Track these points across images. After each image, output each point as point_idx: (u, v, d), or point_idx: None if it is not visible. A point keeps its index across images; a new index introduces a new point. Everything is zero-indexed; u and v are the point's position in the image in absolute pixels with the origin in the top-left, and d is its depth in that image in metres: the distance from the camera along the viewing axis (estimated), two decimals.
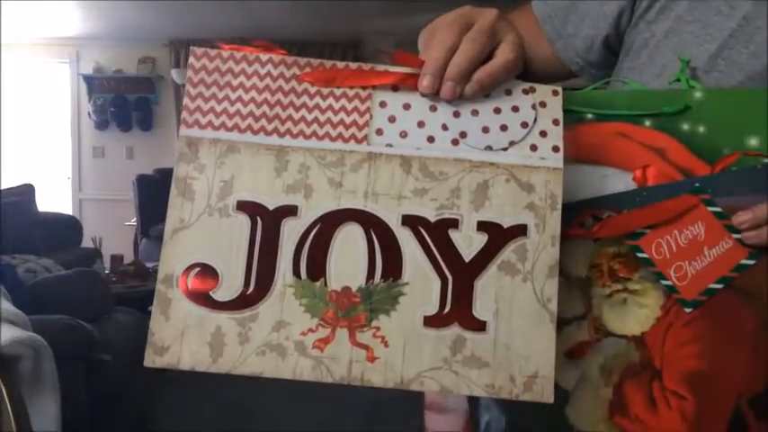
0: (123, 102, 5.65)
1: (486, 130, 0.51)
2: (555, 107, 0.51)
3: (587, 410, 0.52)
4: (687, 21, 0.62)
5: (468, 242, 0.48)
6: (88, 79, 5.66)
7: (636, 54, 0.66)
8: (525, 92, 0.52)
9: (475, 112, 0.51)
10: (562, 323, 0.54)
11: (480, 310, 0.47)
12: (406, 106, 0.51)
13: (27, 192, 4.27)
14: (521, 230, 0.48)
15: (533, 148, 0.50)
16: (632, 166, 0.57)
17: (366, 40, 5.38)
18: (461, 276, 0.48)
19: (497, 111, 0.51)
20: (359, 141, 0.50)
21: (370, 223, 0.48)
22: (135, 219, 5.03)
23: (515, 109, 0.51)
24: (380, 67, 0.51)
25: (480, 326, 0.47)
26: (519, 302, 0.47)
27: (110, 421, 2.14)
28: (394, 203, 0.49)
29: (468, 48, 0.50)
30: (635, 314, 0.53)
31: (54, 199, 5.51)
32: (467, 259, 0.48)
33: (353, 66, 0.51)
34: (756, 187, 0.53)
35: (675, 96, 0.58)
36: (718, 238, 0.53)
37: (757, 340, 0.51)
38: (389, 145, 0.50)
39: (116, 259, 3.87)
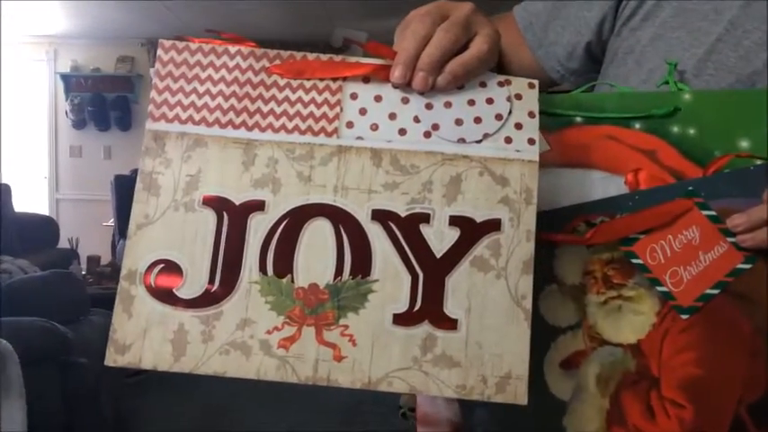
0: (101, 101, 5.56)
1: (459, 122, 0.49)
2: (530, 99, 0.50)
3: (584, 422, 0.51)
4: (673, 26, 0.62)
5: (440, 237, 0.47)
6: (65, 78, 5.57)
7: (621, 60, 0.65)
8: (500, 84, 0.50)
9: (448, 105, 0.50)
10: (556, 332, 0.53)
11: (452, 307, 0.46)
12: (378, 98, 0.50)
13: (3, 192, 4.20)
14: (494, 225, 0.47)
15: (508, 140, 0.49)
16: (623, 170, 0.56)
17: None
18: (432, 273, 0.46)
19: (471, 103, 0.50)
20: (329, 134, 0.49)
21: (340, 218, 0.47)
22: (112, 219, 4.96)
23: (490, 101, 0.50)
24: (352, 59, 0.50)
25: (452, 324, 0.45)
26: (492, 300, 0.46)
27: (85, 424, 2.11)
28: (364, 198, 0.47)
29: (442, 38, 0.49)
30: (630, 321, 0.52)
31: (30, 199, 5.42)
32: (438, 255, 0.46)
33: (324, 57, 0.50)
34: (750, 189, 0.52)
35: (665, 99, 0.57)
36: (712, 243, 0.52)
37: (754, 345, 0.50)
38: (360, 138, 0.49)
39: (93, 260, 3.82)
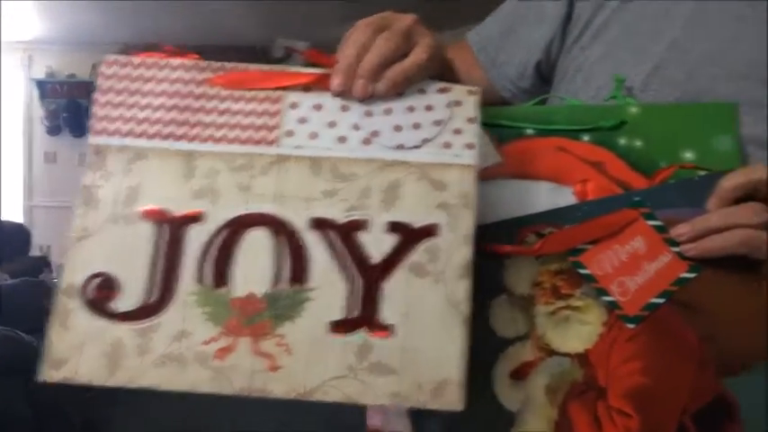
0: (76, 107, 5.50)
1: (398, 128, 0.50)
2: (470, 106, 0.50)
3: None
4: (620, 45, 0.63)
5: (378, 244, 0.47)
6: (40, 84, 5.50)
7: (571, 78, 0.67)
8: (440, 91, 0.51)
9: (387, 111, 0.50)
10: (506, 343, 0.53)
11: (388, 314, 0.45)
12: (318, 107, 0.50)
13: None
14: (432, 230, 0.47)
15: (447, 145, 0.49)
16: (572, 181, 0.57)
17: (328, 45, 5.36)
18: (369, 279, 0.46)
19: (411, 109, 0.50)
20: (269, 144, 0.49)
21: (278, 227, 0.47)
22: None
23: (429, 108, 0.50)
24: (292, 69, 0.51)
25: (387, 331, 0.45)
26: (429, 305, 0.46)
27: None
28: (303, 206, 0.47)
29: (381, 46, 0.49)
30: (578, 331, 0.52)
31: (4, 206, 5.35)
32: (375, 261, 0.46)
33: (265, 68, 0.51)
34: (694, 199, 0.53)
35: (612, 111, 0.58)
36: (657, 252, 0.53)
37: (700, 354, 0.51)
38: (299, 146, 0.49)
39: None
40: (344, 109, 0.50)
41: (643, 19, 0.62)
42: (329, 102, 0.50)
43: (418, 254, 0.47)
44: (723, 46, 0.59)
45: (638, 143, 0.57)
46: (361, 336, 0.45)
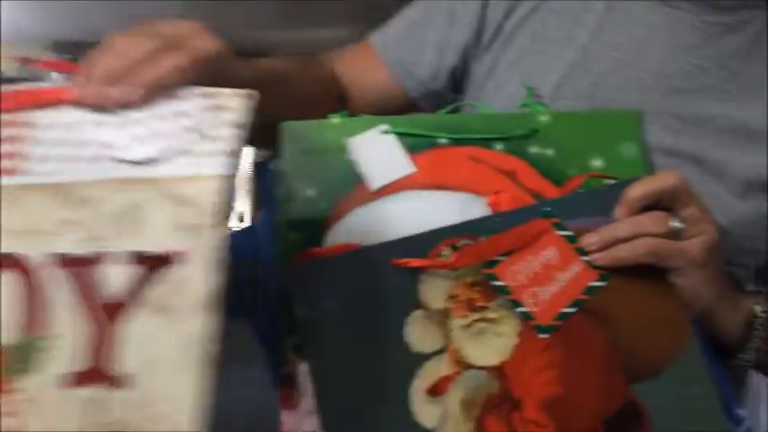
0: None
1: (147, 141, 0.44)
2: (235, 110, 0.45)
3: None
4: (530, 51, 0.64)
5: (117, 278, 0.41)
6: None
7: (482, 85, 0.67)
8: (201, 96, 0.45)
9: (136, 123, 0.44)
10: (423, 359, 0.53)
11: (127, 361, 0.40)
12: (60, 126, 0.44)
13: None
14: (176, 257, 0.41)
15: (199, 155, 0.43)
16: (486, 191, 0.56)
17: (271, 50, 5.25)
18: (106, 322, 0.40)
19: (163, 119, 0.45)
20: (9, 173, 0.43)
21: (14, 267, 0.41)
22: None
23: (184, 115, 0.45)
24: (30, 86, 0.45)
25: (125, 382, 0.40)
26: (167, 348, 0.40)
27: None
28: (43, 240, 0.42)
29: (129, 50, 0.43)
30: (493, 344, 0.52)
31: None
32: (115, 300, 0.41)
33: (7, 89, 0.45)
34: (603, 208, 0.54)
35: (524, 120, 0.58)
36: (568, 262, 0.53)
37: (608, 361, 0.52)
38: (40, 174, 0.43)
39: None
40: (88, 125, 0.44)
41: (552, 26, 0.63)
42: (72, 118, 0.44)
43: (160, 287, 0.41)
44: (629, 55, 0.60)
45: (550, 151, 0.57)
46: (97, 390, 0.40)
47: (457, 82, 0.69)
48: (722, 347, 0.55)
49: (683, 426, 0.51)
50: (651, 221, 0.51)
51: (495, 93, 0.65)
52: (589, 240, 0.52)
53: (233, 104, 0.45)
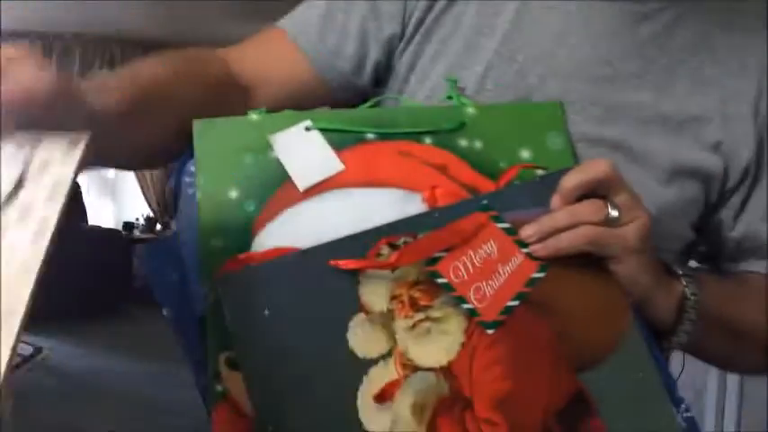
0: None
1: None
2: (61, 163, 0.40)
3: None
4: (451, 43, 0.62)
5: None
6: None
7: (404, 78, 0.65)
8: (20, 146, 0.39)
9: None
10: (368, 364, 0.50)
11: None
12: None
13: None
14: None
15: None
16: (420, 187, 0.55)
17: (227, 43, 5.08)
18: None
19: None
20: None
21: None
22: None
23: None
24: None
25: None
26: None
27: None
28: None
29: None
30: (439, 343, 0.50)
31: None
32: None
33: None
34: (539, 199, 0.53)
35: (452, 113, 0.57)
36: (509, 255, 0.52)
37: (555, 353, 0.51)
38: None
39: None
40: None
41: (473, 18, 0.62)
42: None
43: None
44: (550, 44, 0.60)
45: (478, 144, 0.57)
46: None
47: (379, 76, 0.66)
48: (657, 332, 0.56)
49: (629, 411, 0.51)
50: (589, 210, 0.51)
51: (419, 86, 0.63)
52: (527, 232, 0.52)
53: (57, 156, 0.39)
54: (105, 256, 4.85)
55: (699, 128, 0.59)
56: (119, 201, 5.95)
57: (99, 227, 5.35)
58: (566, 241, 0.51)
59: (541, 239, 0.51)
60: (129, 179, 5.81)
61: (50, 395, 3.17)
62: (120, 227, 5.53)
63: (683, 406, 0.53)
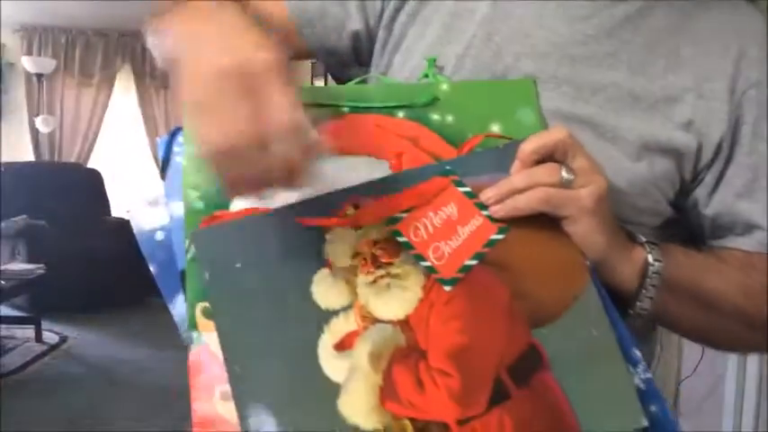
0: None
1: None
2: None
3: (359, 400, 0.51)
4: (433, 24, 0.66)
5: None
6: None
7: (389, 57, 0.69)
8: None
9: None
10: (329, 315, 0.53)
11: None
12: None
13: None
14: None
15: None
16: (389, 155, 0.58)
17: None
18: None
19: None
20: None
21: None
22: None
23: None
24: None
25: None
26: None
27: None
28: None
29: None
30: (399, 298, 0.53)
31: None
32: None
33: None
34: (500, 165, 0.56)
35: (425, 89, 0.61)
36: (469, 217, 0.55)
37: (511, 310, 0.53)
38: None
39: None
40: None
41: (453, 2, 0.65)
42: None
43: None
44: (527, 25, 0.63)
45: (450, 118, 0.60)
46: None
47: (357, 50, 0.70)
48: (621, 298, 0.57)
49: (581, 367, 0.52)
50: (544, 172, 0.53)
51: (401, 66, 0.67)
52: (488, 195, 0.54)
53: None
54: (128, 247, 4.97)
55: (671, 107, 0.60)
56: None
57: (122, 219, 5.36)
58: (522, 202, 0.53)
59: (500, 201, 0.54)
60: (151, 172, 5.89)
61: (75, 382, 3.36)
62: None
63: (640, 366, 0.54)
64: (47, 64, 5.57)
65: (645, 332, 0.65)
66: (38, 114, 5.70)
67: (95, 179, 5.51)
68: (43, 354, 3.75)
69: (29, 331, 3.97)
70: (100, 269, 4.62)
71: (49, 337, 4.03)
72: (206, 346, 0.53)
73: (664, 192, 0.62)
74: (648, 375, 0.54)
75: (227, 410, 0.52)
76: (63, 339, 4.04)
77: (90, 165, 5.89)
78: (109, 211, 5.53)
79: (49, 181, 5.14)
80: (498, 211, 0.54)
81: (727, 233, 0.63)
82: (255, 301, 0.53)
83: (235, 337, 0.52)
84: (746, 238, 0.62)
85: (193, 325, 0.54)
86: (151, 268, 0.57)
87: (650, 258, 0.56)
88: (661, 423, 0.53)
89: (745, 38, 0.62)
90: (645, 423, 0.52)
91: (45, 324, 4.04)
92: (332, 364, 0.52)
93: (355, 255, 0.54)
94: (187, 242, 0.55)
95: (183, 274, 0.55)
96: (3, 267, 3.87)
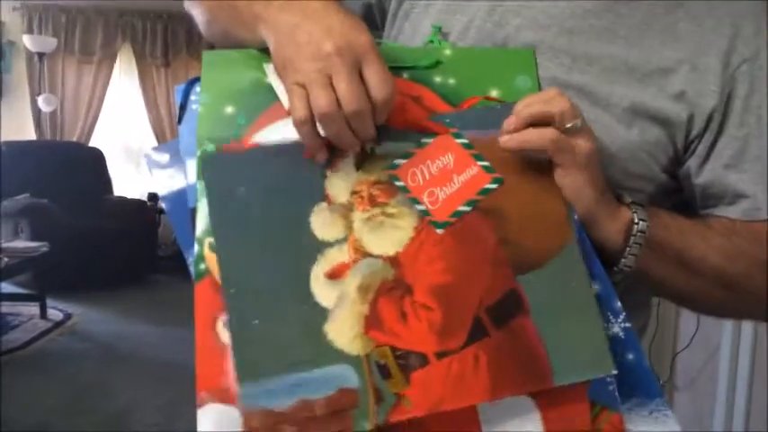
0: None
1: None
2: None
3: (345, 326, 0.53)
4: None
5: None
6: None
7: (399, 25, 0.73)
8: None
9: None
10: (325, 246, 0.56)
11: None
12: None
13: None
14: None
15: None
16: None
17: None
18: None
19: None
20: None
21: None
22: None
23: None
24: None
25: None
26: None
27: None
28: None
29: None
30: (391, 235, 0.56)
31: None
32: None
33: None
34: (497, 123, 0.59)
35: (429, 53, 0.64)
36: (465, 166, 0.58)
37: (496, 254, 0.56)
38: None
39: None
40: None
41: None
42: None
43: None
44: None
45: (452, 81, 0.63)
46: None
47: (369, 21, 0.74)
48: (607, 255, 0.59)
49: (558, 315, 0.55)
50: (562, 103, 0.56)
51: (411, 34, 0.71)
52: (509, 122, 0.57)
53: None
54: (131, 226, 4.97)
55: (664, 77, 0.64)
56: (143, 171, 5.98)
57: (124, 197, 5.40)
58: (534, 136, 0.56)
59: (518, 129, 0.57)
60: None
61: (79, 358, 3.38)
62: (144, 197, 5.50)
63: (621, 316, 0.56)
64: (48, 43, 5.47)
65: (639, 304, 0.67)
66: (39, 93, 5.61)
67: (97, 157, 5.46)
68: (48, 330, 3.76)
69: (34, 308, 3.99)
70: (102, 247, 4.62)
71: (54, 314, 4.04)
72: (211, 277, 0.55)
73: (656, 158, 0.65)
74: (628, 325, 0.56)
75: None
76: (67, 316, 4.05)
77: (91, 143, 5.83)
78: (111, 189, 5.50)
79: (51, 160, 5.11)
80: (509, 141, 0.57)
81: (718, 203, 0.66)
82: (255, 225, 0.55)
83: (232, 258, 0.55)
84: (734, 206, 0.64)
85: (201, 259, 0.56)
86: (168, 216, 0.60)
87: (635, 218, 0.59)
88: (636, 371, 0.55)
89: (740, 15, 0.65)
90: (614, 371, 0.54)
91: (49, 302, 4.05)
92: (322, 291, 0.54)
93: (354, 193, 0.57)
94: (198, 182, 0.58)
95: (193, 212, 0.58)
96: (6, 245, 3.88)
